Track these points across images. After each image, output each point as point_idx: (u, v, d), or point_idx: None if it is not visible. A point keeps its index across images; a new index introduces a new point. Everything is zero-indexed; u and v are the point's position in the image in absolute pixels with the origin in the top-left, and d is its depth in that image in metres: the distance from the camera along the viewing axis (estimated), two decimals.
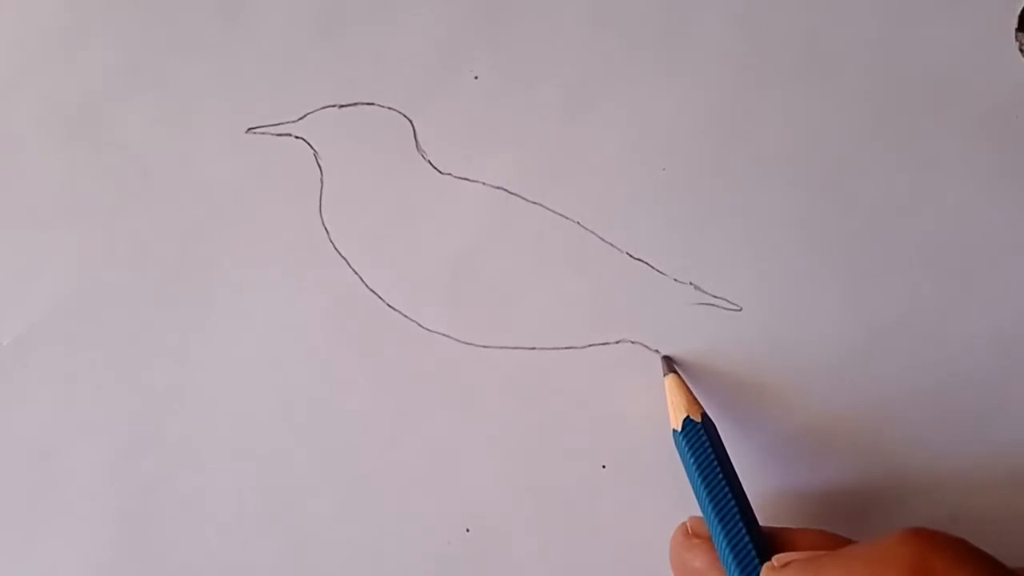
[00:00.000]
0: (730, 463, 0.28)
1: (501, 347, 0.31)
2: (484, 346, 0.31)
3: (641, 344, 0.31)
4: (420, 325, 0.32)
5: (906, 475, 0.30)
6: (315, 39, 0.33)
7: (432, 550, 0.30)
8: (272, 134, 0.33)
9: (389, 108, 0.33)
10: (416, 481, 0.31)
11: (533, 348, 0.31)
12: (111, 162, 0.33)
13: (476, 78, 0.33)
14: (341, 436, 0.31)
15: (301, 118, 0.33)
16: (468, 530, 0.30)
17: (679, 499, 0.29)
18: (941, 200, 0.31)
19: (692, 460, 0.27)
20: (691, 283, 0.31)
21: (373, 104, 0.33)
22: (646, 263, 0.31)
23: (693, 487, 0.28)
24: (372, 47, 0.33)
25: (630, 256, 0.31)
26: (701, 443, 0.27)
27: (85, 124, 0.34)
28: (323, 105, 0.33)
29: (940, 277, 0.30)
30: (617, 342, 0.31)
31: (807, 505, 0.30)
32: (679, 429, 0.28)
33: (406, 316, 0.32)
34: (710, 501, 0.27)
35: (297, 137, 0.33)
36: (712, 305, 0.31)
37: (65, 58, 0.34)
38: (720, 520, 0.26)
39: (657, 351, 0.31)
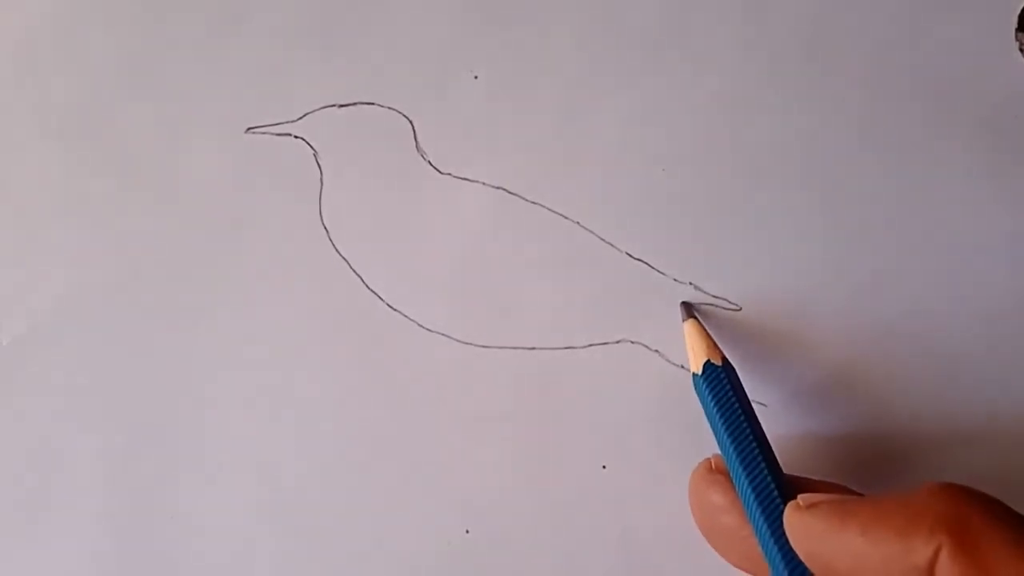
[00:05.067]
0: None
1: (501, 347, 0.31)
2: (484, 346, 0.31)
3: (641, 344, 0.31)
4: (420, 325, 0.32)
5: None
6: (315, 38, 0.33)
7: (432, 551, 0.30)
8: (272, 134, 0.33)
9: (389, 108, 0.33)
10: (416, 482, 0.31)
11: (533, 348, 0.31)
12: (111, 162, 0.33)
13: (476, 78, 0.33)
14: (340, 436, 0.31)
15: (301, 118, 0.33)
16: (468, 531, 0.30)
17: (680, 498, 0.29)
18: (941, 200, 0.31)
19: (713, 403, 0.27)
20: (691, 283, 0.31)
21: (373, 104, 0.33)
22: (646, 263, 0.31)
23: (714, 431, 0.27)
24: (372, 47, 0.33)
25: (630, 256, 0.31)
26: (722, 387, 0.27)
27: (85, 124, 0.34)
28: (323, 105, 0.33)
29: (940, 276, 0.30)
30: (617, 342, 0.31)
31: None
32: (700, 373, 0.28)
33: (406, 316, 0.32)
34: (732, 443, 0.26)
35: (297, 137, 0.33)
36: (712, 305, 0.31)
37: (65, 58, 0.34)
38: (742, 461, 0.26)
39: (657, 351, 0.31)
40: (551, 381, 0.31)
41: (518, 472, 0.31)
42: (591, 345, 0.31)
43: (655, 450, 0.30)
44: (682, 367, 0.30)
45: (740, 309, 0.31)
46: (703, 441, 0.29)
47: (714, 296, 0.31)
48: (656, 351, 0.31)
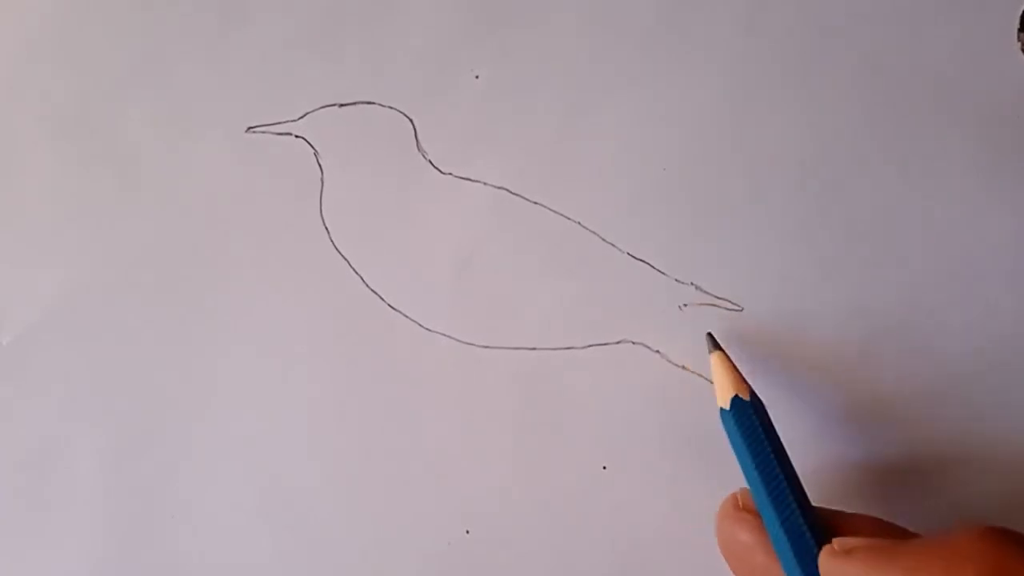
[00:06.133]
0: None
1: (502, 347, 0.31)
2: (485, 346, 0.31)
3: (642, 344, 0.31)
4: (421, 325, 0.31)
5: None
6: (315, 38, 0.33)
7: (432, 551, 0.30)
8: (272, 133, 0.33)
9: (390, 107, 0.33)
10: (416, 482, 0.31)
11: (534, 348, 0.31)
12: (111, 162, 0.33)
13: (477, 77, 0.33)
14: (341, 436, 0.31)
15: (301, 117, 0.33)
16: (468, 531, 0.30)
17: (680, 499, 0.29)
18: (941, 200, 0.31)
19: (742, 439, 0.27)
20: (692, 283, 0.31)
21: (374, 103, 0.33)
22: (647, 263, 0.31)
23: (743, 467, 0.27)
24: (373, 46, 0.33)
25: (631, 256, 0.31)
26: (750, 422, 0.27)
27: (85, 124, 0.34)
28: (323, 104, 0.33)
29: (940, 277, 0.30)
30: (618, 342, 0.31)
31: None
32: (727, 408, 0.28)
33: (407, 316, 0.32)
34: (762, 481, 0.26)
35: (297, 136, 0.33)
36: (713, 305, 0.31)
37: (65, 58, 0.34)
38: (773, 501, 0.25)
39: (658, 351, 0.31)
40: (551, 381, 0.31)
41: (518, 472, 0.30)
42: (592, 345, 0.31)
43: (655, 450, 0.30)
44: (683, 368, 0.30)
45: (742, 310, 0.31)
46: (703, 441, 0.29)
47: (716, 297, 0.31)
48: (657, 352, 0.31)
